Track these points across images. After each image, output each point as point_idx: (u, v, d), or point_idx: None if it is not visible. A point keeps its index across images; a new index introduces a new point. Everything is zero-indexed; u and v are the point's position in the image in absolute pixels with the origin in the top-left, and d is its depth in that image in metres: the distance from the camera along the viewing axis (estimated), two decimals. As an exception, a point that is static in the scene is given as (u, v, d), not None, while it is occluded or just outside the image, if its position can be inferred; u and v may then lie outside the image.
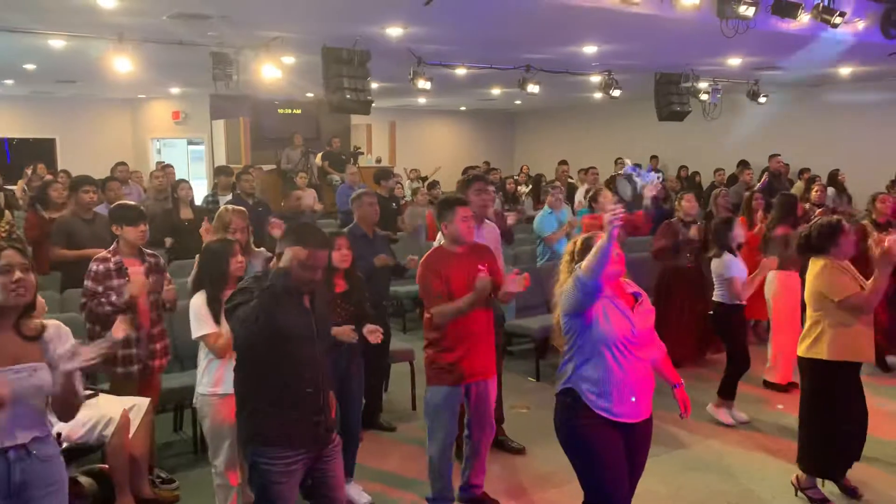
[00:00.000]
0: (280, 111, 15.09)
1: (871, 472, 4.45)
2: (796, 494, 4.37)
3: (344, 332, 3.86)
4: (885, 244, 3.98)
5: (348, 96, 8.34)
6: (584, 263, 2.98)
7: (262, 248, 4.86)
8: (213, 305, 3.64)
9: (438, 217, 4.10)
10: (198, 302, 3.70)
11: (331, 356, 3.27)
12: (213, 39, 8.06)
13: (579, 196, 10.35)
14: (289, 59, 9.14)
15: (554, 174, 12.25)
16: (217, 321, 3.62)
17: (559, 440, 3.19)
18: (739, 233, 5.64)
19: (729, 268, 5.43)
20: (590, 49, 9.25)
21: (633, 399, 3.08)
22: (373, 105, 8.93)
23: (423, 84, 9.37)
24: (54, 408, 2.68)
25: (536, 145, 19.41)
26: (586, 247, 3.14)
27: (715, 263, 5.54)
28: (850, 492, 4.33)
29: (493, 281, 3.99)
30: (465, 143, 19.57)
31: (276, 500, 2.97)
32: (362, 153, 15.05)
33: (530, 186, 13.11)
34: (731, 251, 5.51)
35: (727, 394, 5.58)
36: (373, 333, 3.98)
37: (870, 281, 4.03)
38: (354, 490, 4.26)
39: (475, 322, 3.94)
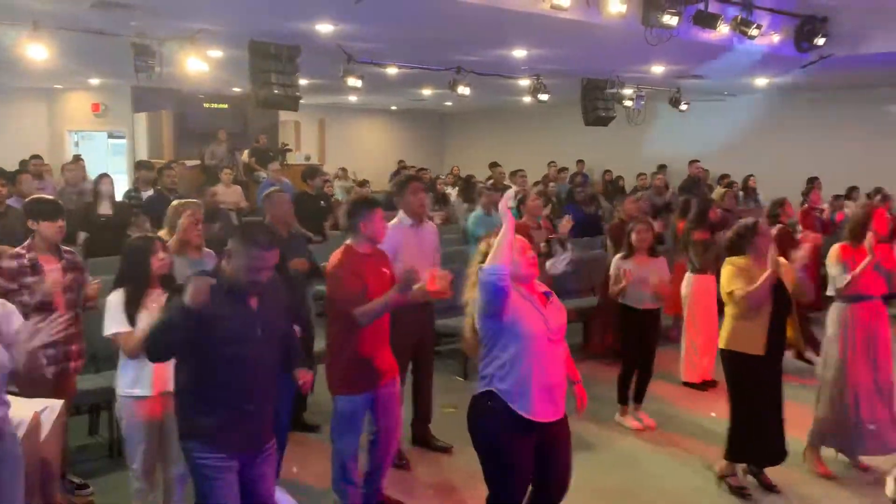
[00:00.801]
0: (206, 105, 14.72)
1: (781, 469, 4.64)
2: (718, 484, 4.56)
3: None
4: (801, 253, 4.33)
5: (276, 92, 8.21)
6: (489, 256, 2.98)
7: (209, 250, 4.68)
8: (130, 305, 3.52)
9: (353, 216, 3.99)
10: (114, 299, 3.58)
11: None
12: (136, 30, 7.81)
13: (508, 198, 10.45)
14: (215, 53, 8.93)
15: (483, 176, 12.36)
16: (132, 321, 3.50)
17: (473, 440, 3.19)
18: (642, 237, 5.64)
19: (615, 267, 5.56)
20: (519, 53, 9.38)
21: (552, 398, 3.11)
22: (302, 102, 8.82)
23: (353, 82, 9.31)
24: (20, 385, 2.64)
25: (467, 147, 19.54)
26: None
27: (612, 263, 5.67)
28: (768, 486, 4.54)
29: (392, 282, 4.00)
30: (395, 143, 19.53)
31: (220, 497, 2.92)
32: (290, 150, 14.82)
33: (459, 188, 13.18)
34: (628, 252, 5.60)
35: (622, 398, 5.66)
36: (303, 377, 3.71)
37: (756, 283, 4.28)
38: (280, 493, 4.19)
39: (376, 327, 3.89)
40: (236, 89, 13.52)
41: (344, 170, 14.91)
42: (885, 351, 4.74)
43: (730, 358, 4.46)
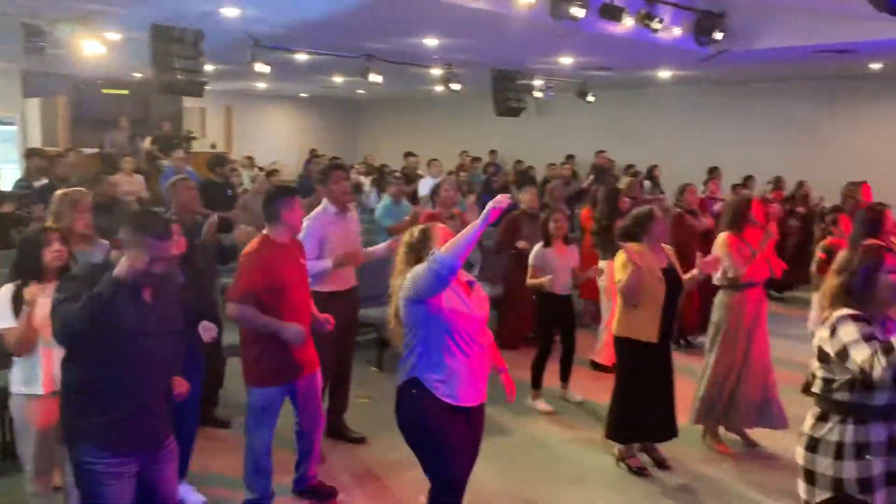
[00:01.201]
0: (104, 91, 14.04)
1: (678, 446, 4.84)
2: (618, 465, 4.72)
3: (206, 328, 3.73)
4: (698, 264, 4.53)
5: (179, 77, 7.91)
6: (448, 245, 2.93)
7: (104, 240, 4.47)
8: (18, 299, 3.33)
9: (272, 205, 3.92)
10: (2, 292, 3.39)
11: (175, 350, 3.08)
12: (25, 9, 7.35)
13: (422, 188, 10.46)
14: (114, 36, 8.51)
15: (397, 165, 12.32)
16: (18, 315, 3.31)
17: (402, 430, 3.18)
18: (560, 225, 5.80)
19: (536, 257, 5.67)
20: (430, 42, 9.36)
21: (475, 383, 3.14)
22: (207, 88, 8.54)
23: (261, 68, 9.08)
24: None
25: (380, 136, 19.42)
26: (424, 237, 3.15)
27: (532, 252, 5.77)
28: (662, 464, 4.74)
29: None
30: (306, 131, 19.20)
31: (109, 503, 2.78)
32: (195, 138, 14.36)
33: (373, 177, 13.10)
34: (547, 241, 5.71)
35: (536, 382, 5.78)
36: (208, 332, 3.80)
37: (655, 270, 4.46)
38: (187, 491, 4.07)
39: (303, 313, 3.87)
40: (137, 74, 12.96)
41: (250, 158, 14.55)
42: (764, 335, 4.99)
43: (623, 344, 4.58)
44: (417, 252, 3.12)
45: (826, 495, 2.67)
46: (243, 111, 17.15)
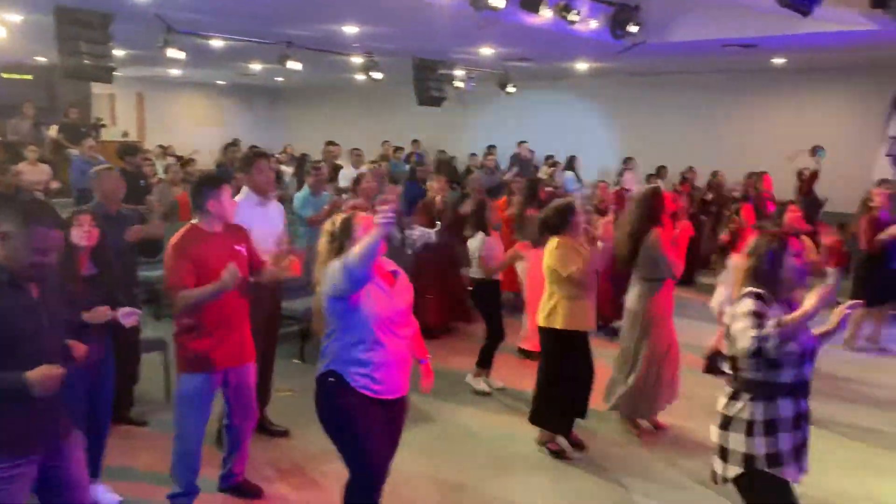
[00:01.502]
0: (5, 76, 13.32)
1: (593, 426, 4.98)
2: (539, 449, 4.82)
3: (99, 314, 3.54)
4: (601, 230, 4.61)
5: (86, 62, 7.58)
6: (354, 252, 2.93)
7: None
8: None
9: (199, 194, 3.84)
10: None
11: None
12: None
13: (343, 178, 10.34)
14: (14, 17, 8.08)
15: (318, 154, 12.15)
16: None
17: (322, 422, 3.16)
18: (495, 215, 5.98)
19: (482, 247, 5.75)
20: (350, 29, 9.26)
21: (396, 376, 3.13)
22: (117, 74, 8.21)
23: (174, 54, 8.78)
24: None
25: (301, 124, 19.11)
26: (346, 227, 3.12)
27: (471, 242, 5.84)
28: (577, 445, 4.86)
29: (253, 263, 3.92)
30: (224, 120, 18.72)
31: None
32: (105, 126, 13.79)
33: (294, 166, 12.89)
34: (486, 231, 5.82)
35: (485, 363, 5.91)
36: (129, 316, 3.67)
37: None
38: (101, 491, 3.93)
39: (230, 306, 3.78)
40: (41, 59, 12.34)
41: (163, 147, 14.09)
42: (671, 322, 5.15)
43: (559, 335, 4.62)
44: (340, 241, 3.10)
45: (739, 470, 2.79)
46: (157, 98, 16.58)
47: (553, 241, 4.67)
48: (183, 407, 3.82)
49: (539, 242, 6.55)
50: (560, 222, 4.66)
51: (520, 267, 6.85)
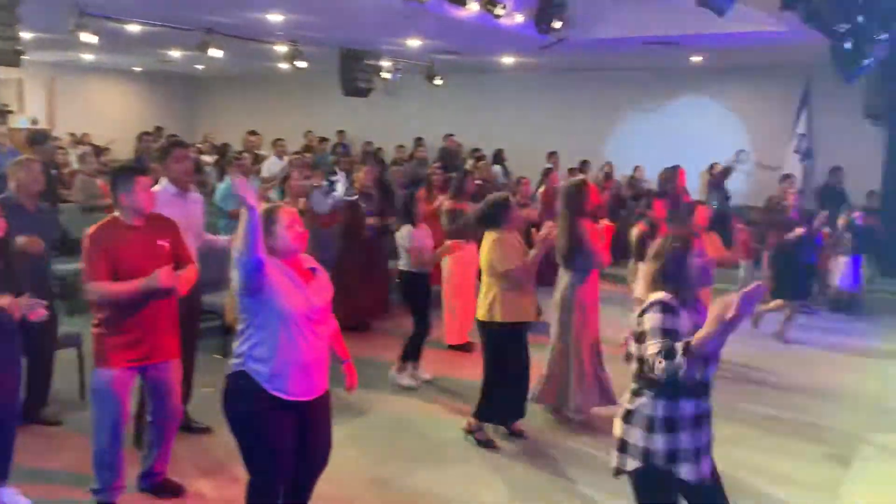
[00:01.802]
0: None
1: (528, 415, 5.06)
2: (466, 438, 4.86)
3: (5, 302, 3.38)
4: (543, 232, 4.62)
5: (-8, 44, 7.19)
6: (237, 240, 2.86)
7: None
8: None
9: (114, 186, 3.72)
10: None
11: None
12: None
13: (266, 169, 10.15)
14: None
15: (240, 144, 11.87)
16: None
17: (228, 421, 3.07)
18: (422, 207, 5.93)
19: (410, 238, 5.74)
20: (275, 17, 9.08)
21: (310, 377, 3.04)
22: (26, 58, 7.81)
23: (87, 38, 8.41)
24: None
25: (222, 114, 18.63)
26: (269, 219, 3.02)
27: (398, 234, 5.82)
28: (518, 434, 4.94)
29: (178, 256, 3.82)
30: (141, 108, 18.07)
31: None
32: (12, 112, 13.15)
33: (215, 157, 12.57)
34: (412, 223, 5.82)
35: (410, 356, 5.89)
36: (34, 308, 3.51)
37: (528, 255, 4.63)
38: (9, 494, 3.74)
39: (153, 300, 3.66)
40: (-60, 39, 11.60)
41: (73, 135, 13.51)
42: (597, 314, 5.28)
43: (497, 329, 4.66)
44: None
45: (637, 464, 2.82)
46: (69, 84, 15.87)
47: (490, 236, 4.70)
48: (97, 403, 3.69)
49: (463, 235, 6.61)
50: (497, 216, 4.70)
51: (443, 261, 6.87)
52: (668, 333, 2.71)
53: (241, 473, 3.15)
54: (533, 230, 4.92)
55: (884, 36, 6.53)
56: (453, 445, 4.86)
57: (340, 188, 6.53)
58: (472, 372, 6.06)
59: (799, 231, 7.34)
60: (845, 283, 8.80)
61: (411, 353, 5.91)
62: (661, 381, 2.75)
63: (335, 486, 4.09)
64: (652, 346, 2.71)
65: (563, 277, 5.17)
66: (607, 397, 5.18)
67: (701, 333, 2.61)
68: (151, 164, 5.62)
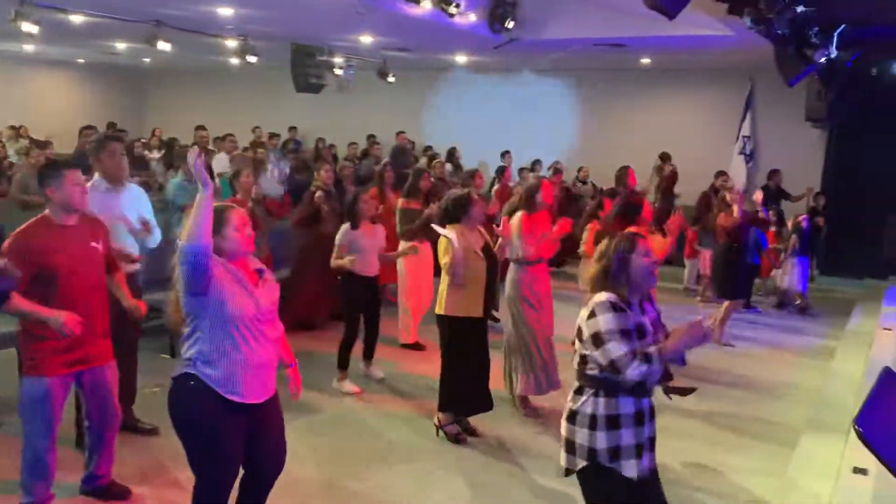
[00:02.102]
0: None
1: (485, 415, 5.10)
2: (437, 434, 4.89)
3: None
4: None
5: (-75, 33, 6.89)
6: (184, 231, 2.76)
7: None
8: None
9: (42, 181, 3.58)
10: None
11: None
12: None
13: (217, 164, 9.98)
14: None
15: (189, 140, 11.64)
16: None
17: (175, 424, 2.99)
18: (369, 206, 5.81)
19: (342, 238, 5.62)
20: (225, 11, 8.92)
21: (261, 378, 2.99)
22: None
23: (28, 28, 8.13)
24: None
25: (170, 108, 18.23)
26: (217, 219, 2.92)
27: (338, 233, 5.72)
28: (470, 431, 4.98)
29: (110, 260, 3.76)
30: (85, 101, 17.59)
31: None
32: (-53, 104, 12.63)
33: (163, 151, 12.32)
34: (354, 223, 5.67)
35: (343, 364, 5.76)
36: None
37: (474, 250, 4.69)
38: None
39: (85, 303, 3.55)
40: None
41: (14, 128, 13.06)
42: (550, 306, 5.43)
43: (449, 322, 4.75)
44: None
45: (584, 463, 2.85)
46: (9, 76, 15.36)
47: (448, 231, 4.73)
48: (27, 412, 3.56)
49: (416, 234, 6.60)
50: (457, 212, 4.76)
51: (399, 259, 6.85)
52: (625, 334, 2.74)
53: (189, 475, 3.09)
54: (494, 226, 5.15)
55: (825, 42, 6.75)
56: (405, 445, 4.85)
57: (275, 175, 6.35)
58: (424, 370, 6.09)
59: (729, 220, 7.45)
60: (792, 284, 9.03)
61: (342, 360, 5.76)
62: (601, 379, 2.80)
63: (284, 488, 4.02)
64: (618, 350, 2.72)
65: (509, 272, 5.35)
66: (553, 385, 5.31)
67: (669, 345, 2.74)
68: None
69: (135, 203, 4.54)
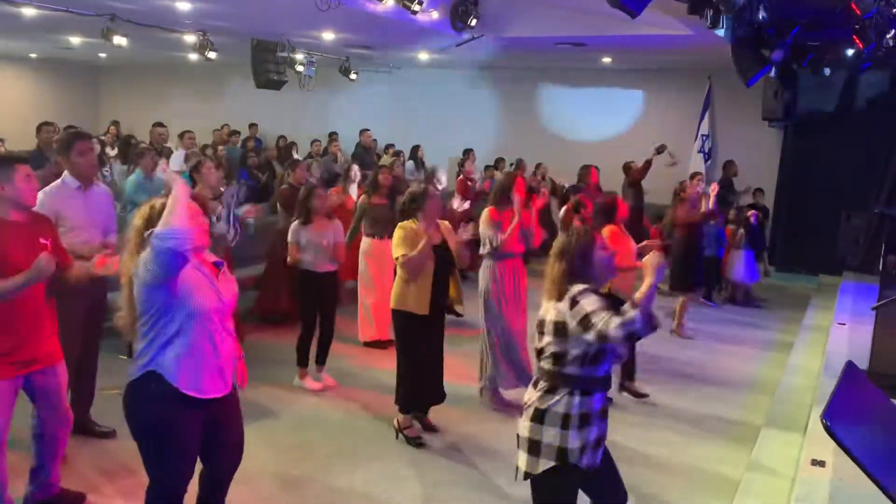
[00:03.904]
0: None
1: (445, 410, 5.10)
2: (396, 437, 4.86)
3: None
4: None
5: None
6: (163, 219, 2.70)
7: None
8: None
9: None
10: None
11: None
12: None
13: (175, 162, 9.80)
14: None
15: (145, 136, 11.42)
16: None
17: (132, 426, 2.92)
18: (322, 201, 5.72)
19: (293, 235, 5.57)
20: (183, 6, 8.75)
21: (222, 373, 2.95)
22: None
23: (-23, 21, 7.89)
24: None
25: (127, 104, 17.86)
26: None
27: (290, 229, 5.65)
28: (430, 428, 4.99)
29: (59, 259, 3.59)
30: (38, 97, 17.13)
31: None
32: None
33: (118, 149, 12.05)
34: (307, 219, 5.58)
35: (302, 361, 5.73)
36: None
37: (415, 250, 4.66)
38: None
39: (31, 302, 3.44)
40: None
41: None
42: (524, 300, 5.50)
43: (398, 317, 4.78)
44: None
45: (551, 464, 2.80)
46: (-44, 70, 14.87)
47: (399, 226, 4.77)
48: None
49: (383, 230, 6.58)
50: (414, 207, 4.77)
51: (360, 256, 6.82)
52: (608, 309, 2.74)
53: (146, 478, 3.02)
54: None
55: (780, 42, 6.88)
56: (368, 443, 4.82)
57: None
58: (387, 366, 6.05)
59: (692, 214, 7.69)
60: (739, 276, 9.27)
61: (301, 359, 5.72)
62: (578, 377, 2.80)
63: (248, 487, 3.99)
64: (600, 317, 2.69)
65: (483, 266, 5.42)
66: (525, 379, 5.31)
67: (642, 289, 2.72)
68: (54, 157, 5.32)
69: (103, 205, 4.44)
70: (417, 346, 4.77)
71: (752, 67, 7.12)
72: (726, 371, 6.74)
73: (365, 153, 12.49)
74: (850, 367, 2.51)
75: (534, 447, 2.84)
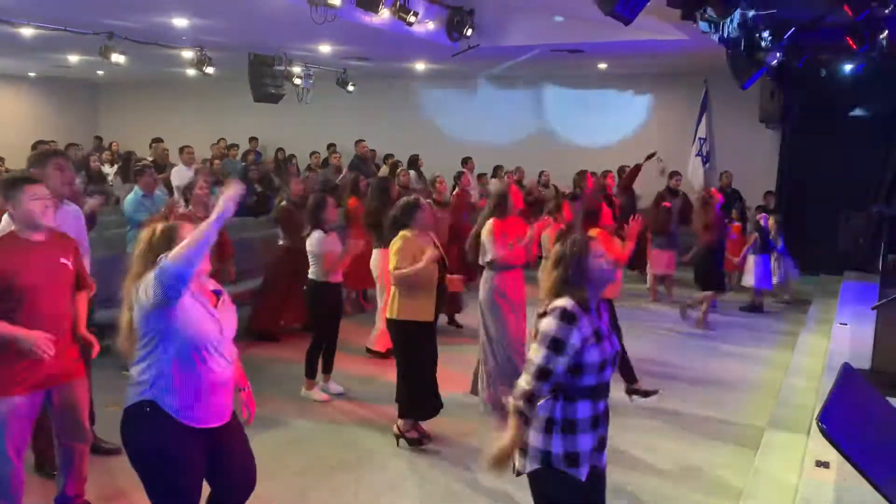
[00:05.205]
0: None
1: (448, 419, 5.10)
2: (398, 444, 4.87)
3: None
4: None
5: None
6: (176, 251, 2.67)
7: None
8: None
9: (3, 198, 3.50)
10: None
11: None
12: None
13: (177, 177, 9.82)
14: None
15: (147, 152, 11.47)
16: None
17: (130, 454, 2.88)
18: (331, 213, 5.78)
19: (320, 244, 5.60)
20: (180, 22, 8.81)
21: (221, 401, 2.93)
22: None
23: (-24, 42, 7.94)
24: None
25: (125, 121, 17.95)
26: (167, 236, 2.86)
27: (308, 241, 5.68)
28: (423, 435, 4.99)
29: (80, 278, 3.67)
30: (37, 115, 17.22)
31: None
32: None
33: (118, 165, 12.11)
34: (323, 229, 5.67)
35: (311, 373, 5.74)
36: None
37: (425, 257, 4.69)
38: None
39: (54, 321, 3.46)
40: None
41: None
42: (524, 310, 5.49)
43: (400, 326, 4.78)
44: (157, 253, 2.79)
45: (536, 466, 2.82)
46: (-44, 90, 14.94)
47: (399, 236, 4.77)
48: None
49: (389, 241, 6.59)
50: (405, 218, 4.79)
51: (373, 266, 6.81)
52: (557, 343, 2.71)
53: (146, 500, 3.01)
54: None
55: (775, 45, 6.90)
56: (372, 453, 4.83)
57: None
58: (391, 378, 6.05)
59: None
60: (758, 281, 9.17)
61: (309, 370, 5.74)
62: (560, 383, 2.78)
63: (251, 498, 3.99)
64: (537, 354, 2.71)
65: (485, 277, 5.42)
66: None
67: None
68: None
69: (75, 221, 4.35)
70: (421, 354, 4.80)
71: (747, 70, 7.14)
72: (728, 373, 6.73)
73: (361, 163, 12.52)
74: (846, 368, 2.52)
75: (523, 448, 2.86)
